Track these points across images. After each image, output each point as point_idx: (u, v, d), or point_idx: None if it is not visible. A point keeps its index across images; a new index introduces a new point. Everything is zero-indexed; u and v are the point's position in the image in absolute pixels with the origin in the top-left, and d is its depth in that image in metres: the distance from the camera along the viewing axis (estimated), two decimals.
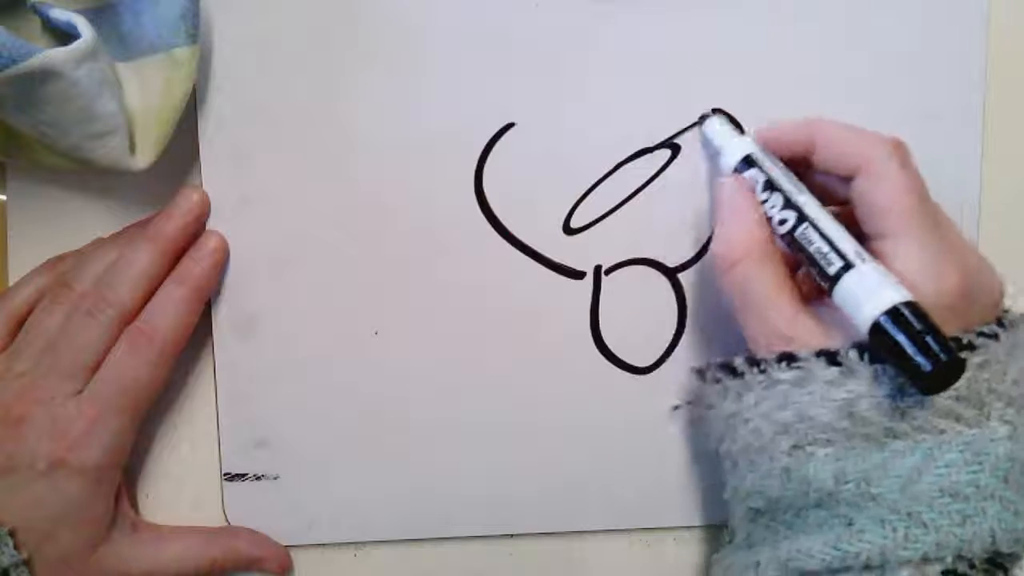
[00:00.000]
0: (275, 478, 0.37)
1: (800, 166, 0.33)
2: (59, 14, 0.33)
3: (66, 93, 0.31)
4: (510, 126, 0.37)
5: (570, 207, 0.37)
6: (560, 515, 0.38)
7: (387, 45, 0.36)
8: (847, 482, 0.29)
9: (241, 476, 0.37)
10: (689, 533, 0.39)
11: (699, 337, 0.38)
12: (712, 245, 0.33)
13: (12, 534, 0.32)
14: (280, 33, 0.36)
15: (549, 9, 0.36)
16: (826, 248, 0.30)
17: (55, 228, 0.37)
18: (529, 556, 0.39)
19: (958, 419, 0.29)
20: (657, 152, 0.37)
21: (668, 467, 0.38)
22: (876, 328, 0.28)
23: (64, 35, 0.33)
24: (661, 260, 0.37)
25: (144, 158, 0.34)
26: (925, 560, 0.28)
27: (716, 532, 0.39)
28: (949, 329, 0.28)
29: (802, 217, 0.31)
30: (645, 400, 0.38)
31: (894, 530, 0.28)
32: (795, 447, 0.29)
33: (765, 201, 0.32)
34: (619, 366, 0.38)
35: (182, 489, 0.38)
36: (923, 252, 0.29)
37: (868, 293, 0.28)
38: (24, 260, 0.37)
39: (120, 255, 0.35)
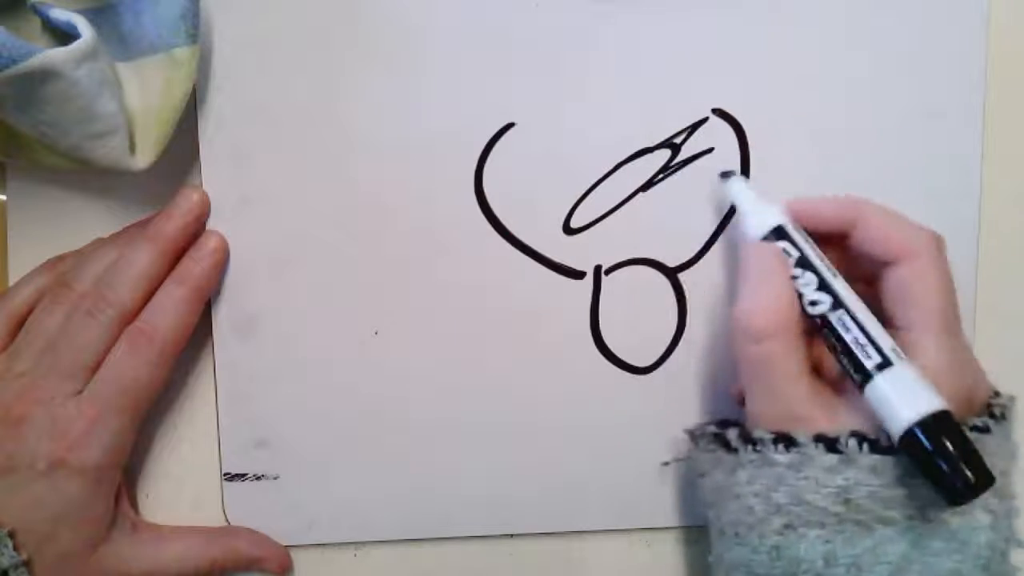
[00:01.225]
0: (275, 478, 0.37)
1: (827, 243, 0.33)
2: (59, 14, 0.33)
3: (66, 93, 0.31)
4: (510, 126, 0.37)
5: (570, 207, 0.37)
6: (560, 515, 0.38)
7: (387, 45, 0.36)
8: (838, 565, 0.29)
9: (241, 476, 0.37)
10: (689, 533, 0.39)
11: (699, 337, 0.38)
12: (738, 313, 0.32)
13: (12, 535, 0.32)
14: (280, 33, 0.36)
15: (549, 9, 0.36)
16: (864, 340, 0.30)
17: (55, 228, 0.37)
18: (529, 556, 0.39)
19: (945, 508, 0.29)
20: (657, 152, 0.37)
21: (668, 467, 0.38)
22: (910, 435, 0.28)
23: (64, 35, 0.33)
24: (661, 260, 0.37)
25: (144, 158, 0.34)
26: None
27: None
28: None
29: (837, 303, 0.31)
30: (645, 400, 0.38)
31: None
32: (787, 527, 0.30)
33: (796, 278, 0.32)
34: (619, 366, 0.38)
35: (182, 489, 0.38)
36: (948, 353, 0.30)
37: (905, 396, 0.29)
38: (24, 260, 0.37)
39: (120, 255, 0.35)
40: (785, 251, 0.32)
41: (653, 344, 0.38)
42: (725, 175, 0.36)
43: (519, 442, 0.38)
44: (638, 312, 0.38)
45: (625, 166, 0.37)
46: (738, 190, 0.35)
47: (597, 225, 0.37)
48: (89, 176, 0.36)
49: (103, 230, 0.37)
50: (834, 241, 0.33)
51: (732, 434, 0.32)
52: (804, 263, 0.32)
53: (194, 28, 0.33)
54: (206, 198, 0.36)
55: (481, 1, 0.36)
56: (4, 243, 0.37)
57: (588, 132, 0.37)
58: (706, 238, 0.37)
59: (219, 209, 0.36)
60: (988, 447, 0.30)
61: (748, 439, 0.31)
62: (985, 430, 0.30)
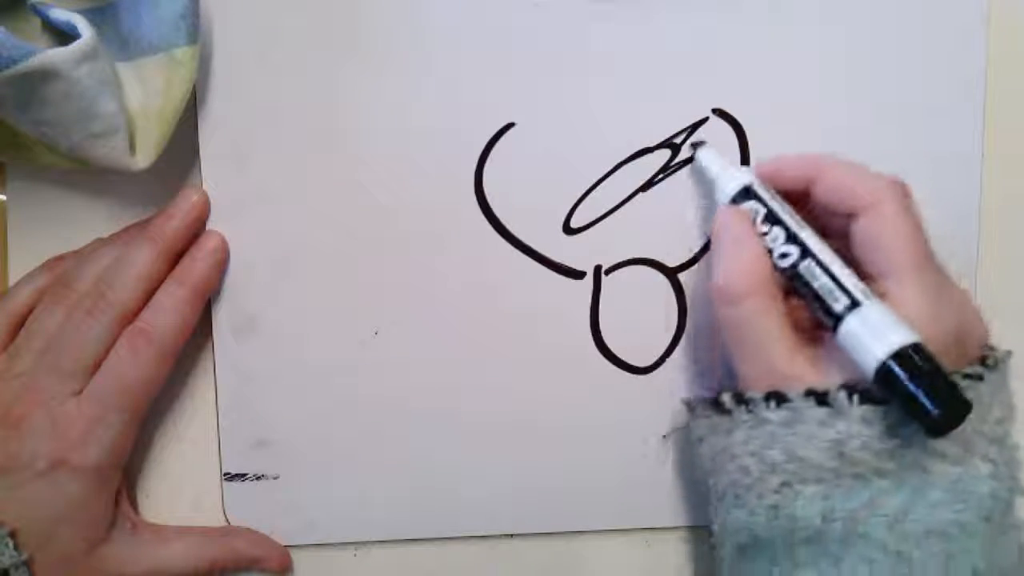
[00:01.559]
0: (275, 478, 0.37)
1: (796, 202, 0.33)
2: (59, 14, 0.33)
3: (66, 93, 0.31)
4: (510, 126, 0.37)
5: (570, 207, 0.37)
6: (560, 515, 0.38)
7: (387, 45, 0.36)
8: (835, 520, 0.29)
9: (241, 476, 0.37)
10: (689, 533, 0.39)
11: (699, 337, 0.38)
12: (714, 278, 0.32)
13: (13, 535, 0.32)
14: (280, 33, 0.36)
15: (549, 9, 0.36)
16: (831, 285, 0.30)
17: (55, 228, 0.37)
18: (529, 556, 0.39)
19: (943, 458, 0.29)
20: (657, 152, 0.37)
21: (668, 467, 0.38)
22: (883, 370, 0.28)
23: (64, 35, 0.33)
24: (661, 260, 0.37)
25: (144, 158, 0.34)
26: None
27: None
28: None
29: (805, 252, 0.31)
30: (645, 400, 0.38)
31: (880, 569, 0.28)
32: (784, 485, 0.30)
33: (766, 234, 0.32)
34: (619, 366, 0.38)
35: (182, 489, 0.38)
36: (924, 295, 0.30)
37: (875, 334, 0.28)
38: (24, 260, 0.37)
39: (120, 255, 0.35)
40: (753, 210, 0.33)
41: (653, 344, 0.38)
42: (695, 145, 0.36)
43: (519, 442, 0.38)
44: (638, 312, 0.38)
45: (625, 166, 0.37)
46: (708, 158, 0.36)
47: (597, 225, 0.37)
48: (89, 176, 0.36)
49: (103, 230, 0.37)
50: (804, 199, 0.33)
51: (726, 396, 0.32)
52: (771, 218, 0.32)
53: (194, 28, 0.33)
54: (206, 198, 0.36)
55: (481, 1, 0.36)
56: (4, 243, 0.37)
57: (588, 132, 0.37)
58: (706, 238, 0.37)
59: (219, 209, 0.36)
60: (982, 396, 0.30)
61: (741, 400, 0.31)
62: (978, 378, 0.30)
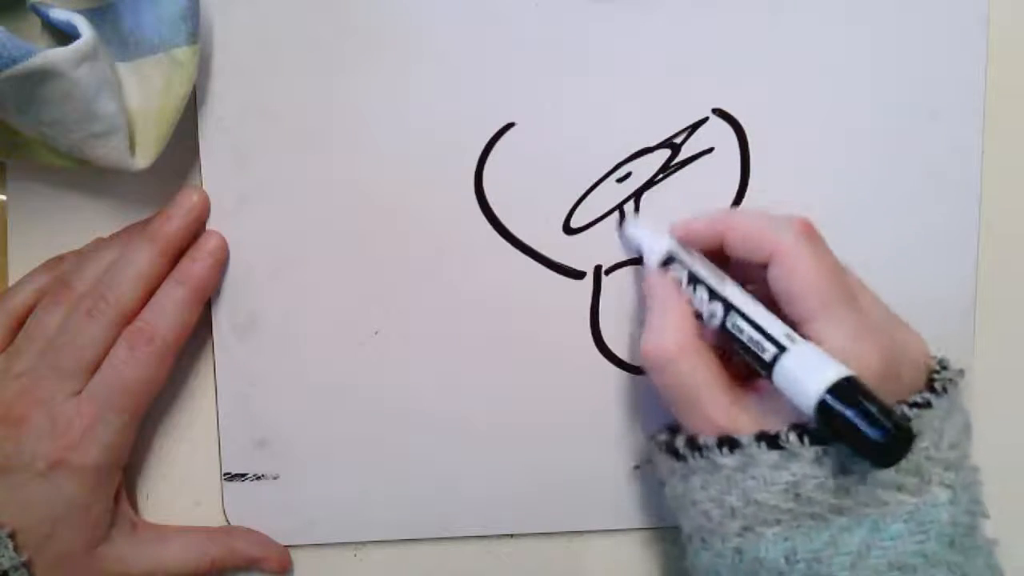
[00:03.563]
0: (275, 478, 0.37)
1: (720, 258, 0.33)
2: (59, 14, 0.33)
3: (66, 93, 0.31)
4: (510, 126, 0.37)
5: (570, 207, 0.37)
6: (560, 515, 0.38)
7: (387, 45, 0.36)
8: (798, 561, 0.29)
9: (241, 476, 0.37)
10: None
11: None
12: (642, 344, 0.32)
13: (12, 536, 0.32)
14: (280, 33, 0.36)
15: (549, 9, 0.36)
16: (757, 336, 0.30)
17: (55, 228, 0.37)
18: (529, 556, 0.39)
19: (900, 489, 0.29)
20: (657, 152, 0.37)
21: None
22: (822, 406, 0.28)
23: (64, 35, 0.33)
24: None
25: (144, 158, 0.34)
26: None
27: None
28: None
29: (728, 307, 0.31)
30: (645, 400, 0.38)
31: None
32: (745, 529, 0.30)
33: (692, 297, 0.32)
34: (619, 366, 0.38)
35: (182, 489, 0.38)
36: (841, 334, 0.29)
37: (807, 373, 0.28)
38: (24, 260, 0.37)
39: (120, 255, 0.35)
40: (678, 274, 0.33)
41: None
42: (621, 221, 0.37)
43: (519, 442, 0.38)
44: (638, 312, 0.38)
45: (625, 166, 0.37)
46: (632, 231, 0.36)
47: (597, 225, 0.37)
48: (89, 176, 0.36)
49: (103, 230, 0.37)
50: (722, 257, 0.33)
51: (680, 442, 0.32)
52: (693, 279, 0.32)
53: (194, 28, 0.33)
54: (206, 198, 0.36)
55: (481, 1, 0.36)
56: (4, 243, 0.37)
57: (588, 132, 0.37)
58: None
59: (219, 209, 0.36)
60: (932, 422, 0.30)
61: (695, 445, 0.31)
62: (925, 405, 0.30)
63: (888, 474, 0.29)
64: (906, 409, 0.29)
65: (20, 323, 0.35)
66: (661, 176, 0.37)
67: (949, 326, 0.38)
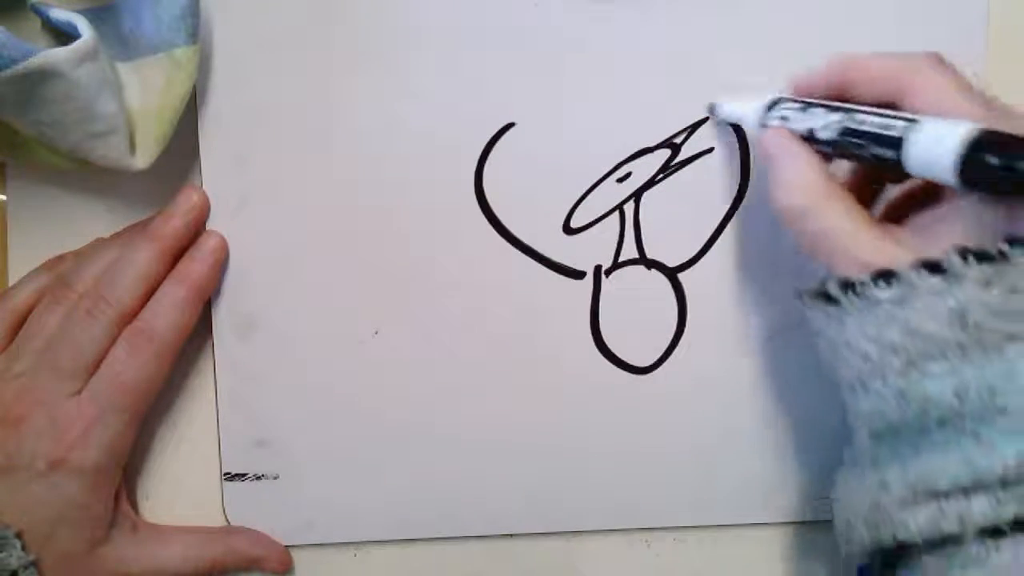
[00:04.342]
0: (275, 478, 0.37)
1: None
2: (59, 14, 0.33)
3: (66, 93, 0.31)
4: (510, 126, 0.37)
5: (570, 207, 0.37)
6: (560, 515, 0.38)
7: (387, 45, 0.36)
8: (970, 398, 0.26)
9: (241, 476, 0.37)
10: (689, 533, 0.39)
11: (699, 337, 0.38)
12: (773, 200, 0.31)
13: (20, 536, 0.32)
14: (280, 33, 0.36)
15: (549, 9, 0.36)
16: (883, 120, 0.28)
17: (55, 228, 0.37)
18: (529, 556, 0.39)
19: None
20: (657, 152, 0.37)
21: (668, 467, 0.38)
22: (966, 160, 0.26)
23: (64, 35, 0.33)
24: (661, 260, 0.37)
25: (144, 158, 0.34)
26: None
27: (716, 532, 0.39)
28: None
29: (848, 111, 0.30)
30: (645, 400, 0.38)
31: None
32: (908, 364, 0.27)
33: (809, 125, 0.31)
34: (619, 366, 0.38)
35: (182, 489, 0.38)
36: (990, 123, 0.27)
37: (941, 137, 0.26)
38: (24, 260, 0.37)
39: (120, 255, 0.35)
40: (788, 117, 0.32)
41: (653, 344, 0.38)
42: (712, 107, 0.36)
43: (519, 442, 0.38)
44: (638, 312, 0.38)
45: (625, 166, 0.37)
46: (728, 108, 0.36)
47: (597, 225, 0.37)
48: (89, 176, 0.36)
49: (103, 230, 0.37)
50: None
51: (831, 285, 0.29)
52: (806, 106, 0.31)
53: (194, 28, 0.33)
54: (206, 198, 0.36)
55: (481, 1, 0.36)
56: (4, 243, 0.37)
57: (588, 132, 0.37)
58: (706, 238, 0.37)
59: (219, 209, 0.36)
60: None
61: (848, 285, 0.29)
62: None
63: None
64: None
65: (20, 323, 0.35)
66: (661, 176, 0.37)
67: None
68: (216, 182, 0.36)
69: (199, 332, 0.36)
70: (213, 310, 0.36)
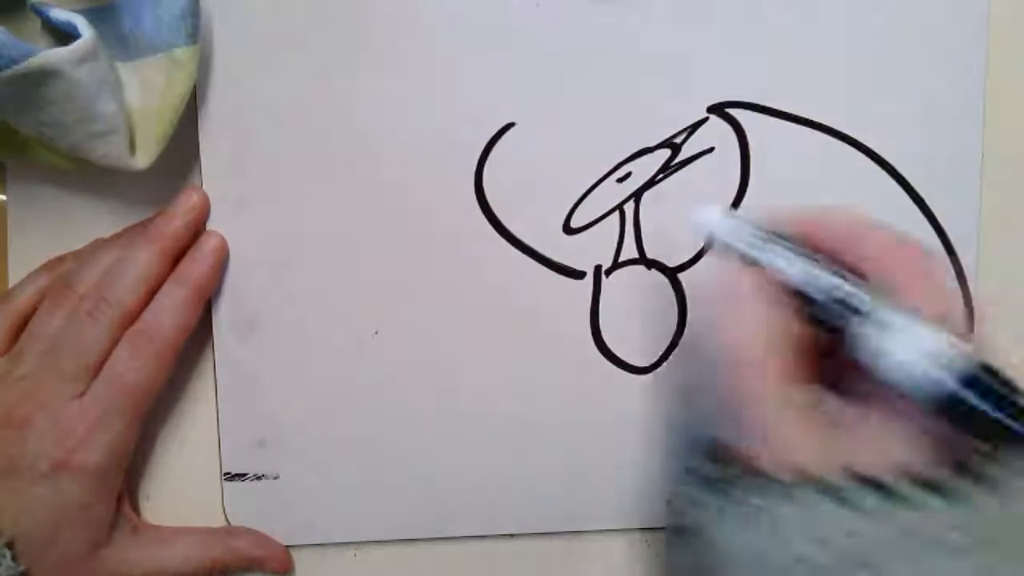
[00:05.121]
0: (275, 478, 0.37)
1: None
2: (59, 14, 0.33)
3: (66, 93, 0.31)
4: (510, 126, 0.37)
5: (570, 207, 0.37)
6: (560, 515, 0.38)
7: (387, 45, 0.36)
8: None
9: (241, 476, 0.37)
10: None
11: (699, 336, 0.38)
12: (722, 344, 0.27)
13: (11, 545, 0.32)
14: (280, 33, 0.36)
15: (549, 9, 0.36)
16: (850, 288, 0.26)
17: (55, 228, 0.37)
18: (529, 556, 0.39)
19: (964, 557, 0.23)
20: (657, 152, 0.37)
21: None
22: (950, 398, 0.24)
23: (64, 35, 0.33)
24: (661, 260, 0.37)
25: (144, 158, 0.34)
26: None
27: None
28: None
29: (813, 261, 0.27)
30: (645, 400, 0.38)
31: None
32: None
33: (774, 267, 0.28)
34: (619, 366, 0.38)
35: (182, 489, 0.38)
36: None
37: (922, 342, 0.24)
38: (24, 261, 0.37)
39: (121, 256, 0.35)
40: (747, 250, 0.28)
41: (653, 344, 0.38)
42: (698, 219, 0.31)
43: (519, 442, 0.38)
44: (638, 312, 0.38)
45: (625, 166, 0.37)
46: (704, 219, 0.31)
47: (597, 225, 0.37)
48: (89, 176, 0.36)
49: (103, 230, 0.37)
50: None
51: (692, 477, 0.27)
52: (769, 238, 0.28)
53: (194, 28, 0.33)
54: (206, 198, 0.36)
55: (481, 1, 0.36)
56: (4, 243, 0.37)
57: (588, 132, 0.37)
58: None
59: (219, 209, 0.36)
60: None
61: (728, 482, 0.26)
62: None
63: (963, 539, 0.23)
64: (996, 469, 0.24)
65: (22, 325, 0.35)
66: (661, 176, 0.37)
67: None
68: (216, 182, 0.36)
69: (199, 332, 0.36)
70: (213, 310, 0.36)
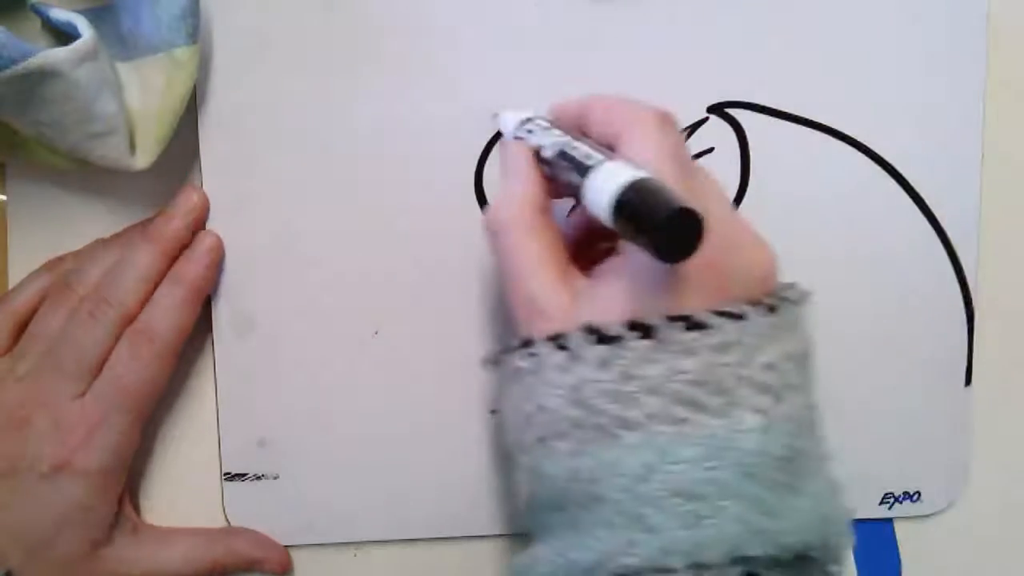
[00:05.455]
0: (275, 478, 0.37)
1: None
2: (59, 14, 0.33)
3: (66, 93, 0.31)
4: None
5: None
6: None
7: (387, 45, 0.36)
8: (578, 481, 0.26)
9: (241, 476, 0.37)
10: None
11: None
12: (485, 211, 0.30)
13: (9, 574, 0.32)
14: (280, 33, 0.36)
15: (549, 9, 0.36)
16: (588, 151, 0.28)
17: (55, 228, 0.37)
18: None
19: (700, 408, 0.25)
20: None
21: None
22: (618, 207, 0.25)
23: (64, 35, 0.33)
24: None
25: (144, 158, 0.34)
26: (657, 569, 0.25)
27: None
28: (694, 302, 0.26)
29: (573, 138, 0.29)
30: None
31: (616, 534, 0.25)
32: (539, 440, 0.27)
33: (540, 142, 0.30)
34: None
35: (182, 489, 0.38)
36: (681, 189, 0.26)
37: (611, 176, 0.26)
38: (24, 261, 0.37)
39: (121, 256, 0.35)
40: (531, 131, 0.31)
41: None
42: (493, 116, 0.34)
43: None
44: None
45: None
46: (501, 117, 0.34)
47: None
48: (89, 176, 0.36)
49: (103, 230, 0.37)
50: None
51: (490, 352, 0.30)
52: (549, 126, 0.31)
53: (194, 28, 0.33)
54: (206, 198, 0.36)
55: (481, 1, 0.36)
56: (4, 243, 0.37)
57: None
58: None
59: (219, 209, 0.36)
60: (742, 337, 0.26)
61: (507, 350, 0.28)
62: (737, 316, 0.26)
63: (686, 389, 0.25)
64: (706, 317, 0.26)
65: (22, 325, 0.35)
66: None
67: (946, 326, 0.38)
68: (216, 182, 0.36)
69: (199, 332, 0.36)
70: (213, 310, 0.36)
